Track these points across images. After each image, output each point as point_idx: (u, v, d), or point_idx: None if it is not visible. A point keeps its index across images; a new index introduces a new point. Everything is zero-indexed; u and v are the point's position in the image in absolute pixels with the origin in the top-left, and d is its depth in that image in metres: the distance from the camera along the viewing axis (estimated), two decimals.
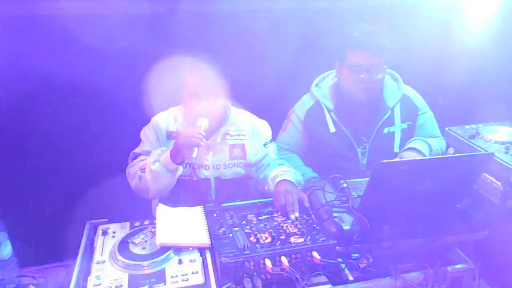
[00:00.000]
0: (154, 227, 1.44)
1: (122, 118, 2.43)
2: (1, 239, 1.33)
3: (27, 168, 2.37)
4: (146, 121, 1.92)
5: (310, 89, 2.02)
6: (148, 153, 1.78)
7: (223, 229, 1.42)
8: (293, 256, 1.28)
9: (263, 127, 1.93)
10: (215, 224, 1.47)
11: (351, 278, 1.29)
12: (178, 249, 1.36)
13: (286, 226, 1.43)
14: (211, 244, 1.37)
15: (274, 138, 1.98)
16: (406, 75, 2.03)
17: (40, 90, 2.33)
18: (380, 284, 1.29)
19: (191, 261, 1.31)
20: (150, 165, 1.67)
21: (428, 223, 1.41)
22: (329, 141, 1.92)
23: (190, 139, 1.61)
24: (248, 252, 1.27)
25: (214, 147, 1.84)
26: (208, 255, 1.35)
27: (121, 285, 1.22)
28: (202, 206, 1.59)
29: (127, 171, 1.81)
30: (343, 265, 1.32)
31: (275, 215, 1.53)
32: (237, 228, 1.43)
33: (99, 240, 1.42)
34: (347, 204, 1.47)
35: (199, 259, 1.33)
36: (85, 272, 1.31)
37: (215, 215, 1.54)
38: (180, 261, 1.31)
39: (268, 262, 1.25)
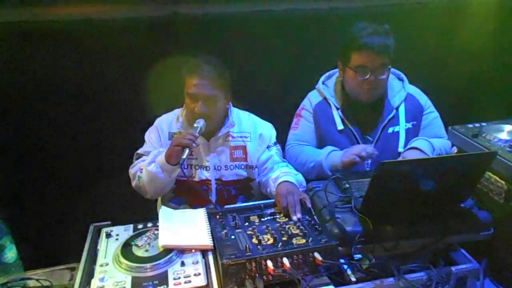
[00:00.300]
0: (157, 230, 1.45)
1: (128, 120, 2.46)
2: (6, 242, 1.35)
3: (32, 172, 2.40)
4: (151, 123, 1.94)
5: (316, 86, 2.02)
6: (148, 153, 1.81)
7: (225, 231, 1.42)
8: (295, 257, 1.28)
9: (267, 130, 1.93)
10: (218, 226, 1.47)
11: (353, 279, 1.28)
12: (181, 251, 1.36)
13: (288, 227, 1.43)
14: (214, 246, 1.37)
15: (279, 140, 1.97)
16: (409, 74, 2.02)
17: (45, 93, 2.36)
18: (383, 285, 1.28)
19: (193, 263, 1.32)
20: (146, 165, 1.71)
21: (431, 223, 1.39)
22: (336, 138, 1.91)
23: (181, 140, 1.64)
24: (250, 253, 1.27)
25: (215, 148, 1.85)
26: (210, 257, 1.35)
27: (124, 287, 1.22)
28: (204, 208, 1.60)
29: (129, 170, 1.84)
30: (345, 266, 1.31)
31: (277, 216, 1.53)
32: (240, 230, 1.43)
33: (102, 242, 1.44)
34: (349, 205, 1.46)
35: (201, 261, 1.33)
36: (89, 275, 1.32)
37: (217, 217, 1.54)
38: (182, 263, 1.32)
39: (270, 264, 1.25)
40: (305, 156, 1.89)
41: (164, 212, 1.54)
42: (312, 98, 2.00)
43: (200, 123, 1.72)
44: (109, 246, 1.42)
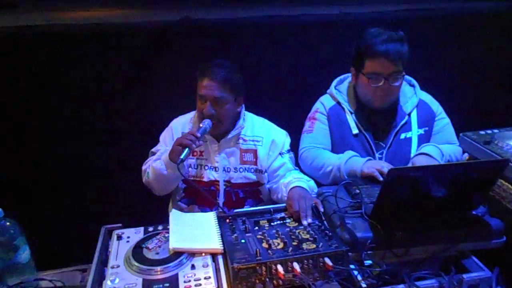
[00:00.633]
0: (168, 233, 1.46)
1: (141, 123, 2.48)
2: (20, 242, 1.36)
3: (46, 174, 2.43)
4: (162, 126, 1.97)
5: (328, 91, 2.01)
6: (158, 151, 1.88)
7: (235, 234, 1.43)
8: (305, 262, 1.27)
9: (280, 136, 1.92)
10: (227, 229, 1.47)
11: (364, 285, 1.27)
12: (191, 255, 1.37)
13: (299, 232, 1.43)
14: (224, 249, 1.37)
15: (289, 145, 1.97)
16: (420, 80, 2.02)
17: (61, 94, 2.39)
18: None
19: (203, 266, 1.32)
20: (153, 162, 1.78)
21: (442, 229, 1.38)
22: (350, 143, 1.89)
23: (182, 140, 1.66)
24: (260, 258, 1.27)
25: (225, 149, 1.87)
26: (220, 261, 1.35)
27: None
28: (214, 212, 1.60)
29: (143, 166, 1.90)
30: (355, 272, 1.31)
31: (288, 221, 1.53)
32: (250, 234, 1.43)
33: (114, 245, 1.45)
34: (360, 211, 1.46)
35: (211, 265, 1.33)
36: (100, 276, 1.33)
37: (227, 220, 1.55)
38: (193, 266, 1.32)
39: (280, 268, 1.25)
40: (322, 159, 1.85)
41: (174, 215, 1.55)
42: (325, 102, 1.98)
43: (205, 123, 1.74)
44: (120, 248, 1.43)
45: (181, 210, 1.92)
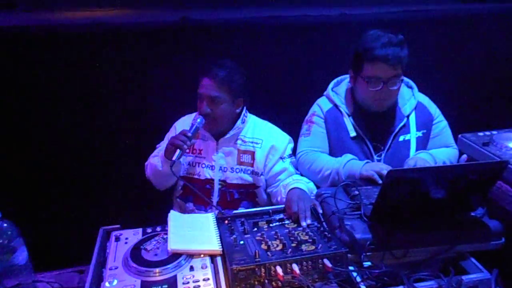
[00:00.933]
0: (166, 234, 1.45)
1: (139, 124, 2.47)
2: (17, 244, 1.35)
3: (43, 175, 2.42)
4: (162, 126, 1.98)
5: (325, 94, 2.00)
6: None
7: (234, 236, 1.42)
8: (304, 263, 1.27)
9: (281, 141, 1.92)
10: (226, 231, 1.47)
11: (363, 287, 1.27)
12: (190, 256, 1.36)
13: (297, 234, 1.42)
14: (222, 251, 1.37)
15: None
16: (419, 81, 2.02)
17: (58, 95, 2.38)
18: None
19: (202, 267, 1.32)
20: (151, 159, 1.86)
21: (441, 231, 1.38)
22: (348, 146, 1.88)
23: (174, 140, 1.71)
24: (259, 259, 1.26)
25: (223, 149, 1.89)
26: (219, 262, 1.35)
27: None
28: (213, 213, 1.60)
29: (146, 163, 1.98)
30: (355, 274, 1.30)
31: (286, 222, 1.53)
32: (248, 235, 1.43)
33: (112, 246, 1.44)
34: (359, 212, 1.45)
35: (210, 266, 1.33)
36: (98, 278, 1.32)
37: (226, 222, 1.55)
38: (191, 268, 1.32)
39: (279, 270, 1.24)
40: (320, 163, 1.85)
41: (173, 217, 1.55)
42: (322, 105, 1.97)
43: (196, 121, 1.78)
44: (118, 249, 1.42)
45: (180, 206, 1.96)
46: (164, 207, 2.03)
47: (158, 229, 1.53)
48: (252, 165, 1.89)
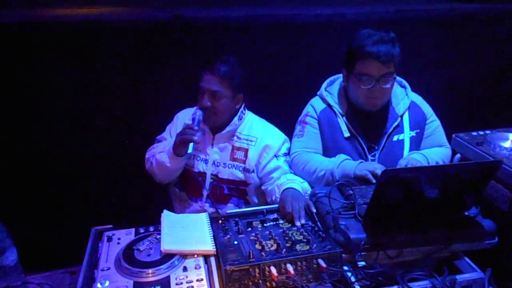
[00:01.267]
0: (159, 234, 1.44)
1: (130, 123, 2.45)
2: (6, 245, 1.33)
3: (33, 174, 2.39)
4: (155, 125, 1.96)
5: (318, 94, 1.99)
6: (163, 139, 2.00)
7: (228, 236, 1.41)
8: (299, 264, 1.27)
9: (277, 140, 1.93)
10: (220, 231, 1.46)
11: (357, 287, 1.27)
12: (183, 256, 1.35)
13: (292, 233, 1.42)
14: (216, 251, 1.36)
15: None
16: (413, 81, 2.02)
17: (46, 93, 2.35)
18: None
19: (196, 268, 1.31)
20: (157, 154, 1.86)
21: (435, 230, 1.38)
22: (342, 146, 1.87)
23: (183, 137, 1.74)
24: (253, 259, 1.26)
25: (218, 144, 1.92)
26: (213, 263, 1.34)
27: None
28: (206, 212, 1.59)
29: (146, 153, 2.00)
30: (349, 274, 1.30)
31: (281, 222, 1.52)
32: (243, 235, 1.42)
33: (104, 246, 1.42)
34: (353, 211, 1.45)
35: (204, 267, 1.32)
36: (90, 279, 1.30)
37: (219, 221, 1.53)
38: (185, 268, 1.30)
39: (273, 270, 1.24)
40: (314, 164, 1.84)
41: (166, 216, 1.53)
42: (316, 105, 1.96)
43: (196, 114, 1.80)
44: (110, 250, 1.40)
45: (175, 194, 2.02)
46: (157, 207, 2.02)
47: (151, 229, 1.51)
48: (244, 162, 1.91)
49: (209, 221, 1.53)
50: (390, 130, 1.88)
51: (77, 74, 2.35)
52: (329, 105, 1.93)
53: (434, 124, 1.97)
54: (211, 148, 1.91)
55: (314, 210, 1.54)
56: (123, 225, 1.53)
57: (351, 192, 1.54)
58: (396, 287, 1.27)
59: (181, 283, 1.24)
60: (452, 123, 2.04)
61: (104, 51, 2.36)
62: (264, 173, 1.90)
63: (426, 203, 1.36)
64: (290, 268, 1.25)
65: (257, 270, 1.24)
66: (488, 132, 1.78)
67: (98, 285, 1.23)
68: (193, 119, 1.79)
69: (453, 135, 1.83)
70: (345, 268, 1.32)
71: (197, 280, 1.26)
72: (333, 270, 1.27)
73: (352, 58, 1.80)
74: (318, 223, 1.49)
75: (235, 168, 1.91)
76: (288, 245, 1.34)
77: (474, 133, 1.78)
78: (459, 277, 1.33)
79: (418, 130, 1.93)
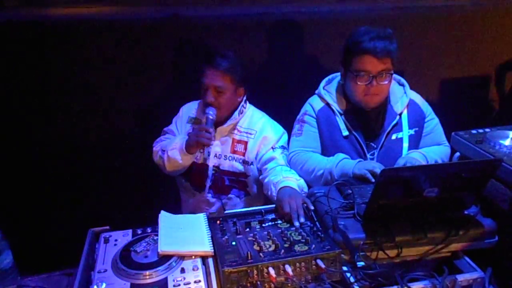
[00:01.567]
0: (156, 235, 1.43)
1: (128, 123, 2.43)
2: (1, 247, 1.32)
3: (29, 176, 2.37)
4: (153, 125, 1.96)
5: (316, 92, 1.98)
6: (170, 131, 2.05)
7: (226, 237, 1.40)
8: (298, 264, 1.26)
9: (275, 132, 1.97)
10: (218, 231, 1.45)
11: (357, 287, 1.26)
12: (181, 258, 1.34)
13: (290, 234, 1.41)
14: (214, 252, 1.35)
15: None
16: (412, 79, 2.01)
17: (44, 94, 2.33)
18: None
19: (193, 269, 1.30)
20: (168, 151, 1.90)
21: (435, 230, 1.37)
22: (341, 145, 1.87)
23: (201, 140, 1.80)
24: (251, 260, 1.24)
25: (220, 137, 1.97)
26: (211, 264, 1.33)
27: None
28: (204, 213, 1.58)
29: (153, 145, 2.05)
30: (348, 274, 1.29)
31: (279, 222, 1.51)
32: (241, 236, 1.41)
33: (101, 248, 1.41)
34: (352, 211, 1.44)
35: (201, 268, 1.31)
36: (87, 281, 1.29)
37: (217, 222, 1.52)
38: (182, 270, 1.29)
39: (272, 271, 1.23)
40: (312, 163, 1.83)
41: (164, 217, 1.52)
42: (314, 104, 1.95)
43: (209, 113, 1.85)
44: (107, 251, 1.39)
45: (181, 184, 2.10)
46: (155, 208, 2.01)
47: (149, 230, 1.50)
48: (243, 155, 1.96)
49: (207, 221, 1.52)
50: (389, 128, 1.87)
51: (76, 73, 2.33)
52: (328, 104, 1.92)
53: (433, 122, 1.96)
54: (213, 141, 1.94)
55: (312, 208, 1.53)
56: (120, 226, 1.51)
57: (350, 191, 1.53)
58: (396, 287, 1.26)
59: (179, 285, 1.23)
60: (451, 121, 2.02)
61: (101, 50, 2.34)
62: (261, 163, 1.95)
63: (426, 202, 1.35)
64: (288, 269, 1.23)
65: (255, 271, 1.23)
66: (487, 130, 1.77)
67: (95, 287, 1.22)
68: (207, 119, 1.84)
69: (452, 133, 1.82)
70: (344, 268, 1.31)
71: (195, 282, 1.24)
72: (332, 271, 1.26)
73: (349, 55, 1.80)
74: (317, 223, 1.48)
75: (235, 161, 1.97)
76: (286, 245, 1.33)
77: (474, 131, 1.77)
78: (459, 277, 1.32)
79: (417, 128, 1.92)
